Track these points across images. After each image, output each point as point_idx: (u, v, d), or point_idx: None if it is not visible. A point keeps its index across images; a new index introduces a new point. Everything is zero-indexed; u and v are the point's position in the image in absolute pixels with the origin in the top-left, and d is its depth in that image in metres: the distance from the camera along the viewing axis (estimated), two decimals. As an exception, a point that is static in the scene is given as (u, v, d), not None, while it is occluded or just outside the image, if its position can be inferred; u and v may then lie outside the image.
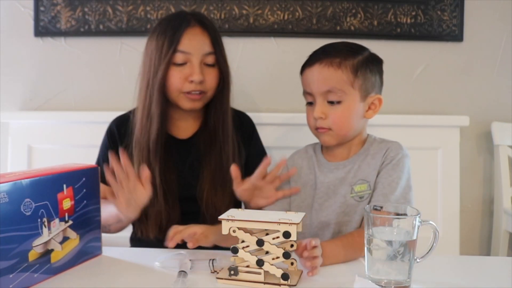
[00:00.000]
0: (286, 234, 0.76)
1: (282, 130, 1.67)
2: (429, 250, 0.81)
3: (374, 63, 1.05)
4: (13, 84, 1.74)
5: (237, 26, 1.71)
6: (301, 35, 1.72)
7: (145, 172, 0.97)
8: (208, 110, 1.21)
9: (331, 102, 1.02)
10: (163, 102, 1.14)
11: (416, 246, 0.78)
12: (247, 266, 0.79)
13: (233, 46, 1.73)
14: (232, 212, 0.82)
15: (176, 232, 0.93)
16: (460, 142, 1.69)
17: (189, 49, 1.12)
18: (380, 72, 1.07)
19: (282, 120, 1.67)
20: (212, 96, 1.18)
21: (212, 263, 0.83)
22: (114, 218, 1.06)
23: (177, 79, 1.12)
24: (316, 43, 1.71)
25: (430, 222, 0.80)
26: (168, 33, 1.12)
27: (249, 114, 1.62)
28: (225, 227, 0.79)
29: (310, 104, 1.07)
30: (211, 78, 1.15)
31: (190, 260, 0.85)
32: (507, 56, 1.75)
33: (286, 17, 1.71)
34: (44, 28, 1.71)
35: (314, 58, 1.05)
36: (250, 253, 0.79)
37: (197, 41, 1.13)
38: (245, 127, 1.29)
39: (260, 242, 0.78)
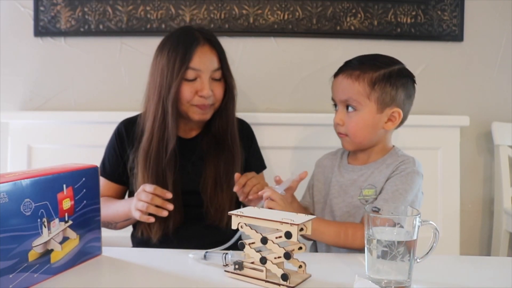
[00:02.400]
0: (288, 235, 0.76)
1: (282, 130, 1.67)
2: (429, 250, 0.81)
3: (398, 78, 1.08)
4: (13, 84, 1.74)
5: (237, 26, 1.71)
6: (301, 35, 1.72)
7: (169, 195, 1.07)
8: (212, 119, 1.28)
9: (349, 111, 1.09)
10: (177, 115, 1.21)
11: (416, 246, 0.78)
12: (252, 263, 0.81)
13: (233, 46, 1.73)
14: (243, 209, 0.86)
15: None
16: (460, 142, 1.69)
17: (200, 66, 1.20)
18: (405, 86, 1.10)
19: (282, 120, 1.67)
20: (218, 106, 1.27)
21: (225, 257, 0.86)
22: (122, 217, 1.18)
23: (187, 93, 1.20)
24: (316, 43, 1.73)
25: (430, 222, 0.80)
26: (179, 50, 1.19)
27: (249, 114, 1.63)
28: (235, 222, 0.82)
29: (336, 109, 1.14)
30: (218, 91, 1.24)
31: (206, 252, 0.90)
32: (507, 56, 1.75)
33: (286, 17, 1.71)
34: (44, 28, 1.71)
35: (341, 68, 1.12)
36: (255, 250, 0.81)
37: (207, 59, 1.21)
38: (245, 133, 1.37)
39: (264, 240, 0.79)
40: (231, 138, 1.27)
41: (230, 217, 1.18)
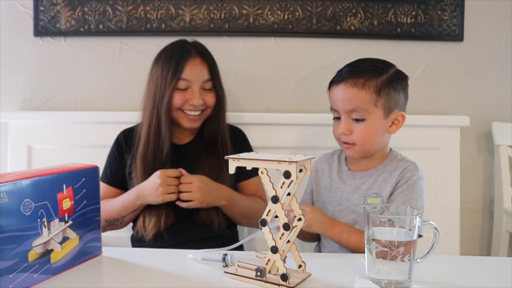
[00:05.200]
0: (287, 174, 0.75)
1: (282, 130, 1.66)
2: (429, 250, 0.81)
3: (398, 81, 1.08)
4: (13, 84, 1.74)
5: (237, 26, 1.71)
6: (301, 35, 1.72)
7: (184, 171, 1.24)
8: (204, 125, 1.38)
9: (356, 120, 1.07)
10: (170, 122, 1.31)
11: (416, 246, 0.78)
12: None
13: (233, 46, 1.73)
14: (240, 154, 0.84)
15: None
16: (461, 142, 1.69)
17: (190, 77, 1.29)
18: (404, 89, 1.11)
19: (282, 120, 1.67)
20: (209, 114, 1.36)
21: (224, 258, 0.86)
22: (129, 208, 1.26)
23: (178, 101, 1.29)
24: (316, 43, 1.73)
25: (430, 222, 0.80)
26: (172, 62, 1.29)
27: (249, 114, 1.63)
28: (232, 166, 0.81)
29: (336, 119, 1.12)
30: (209, 98, 1.33)
31: (206, 252, 0.90)
32: (507, 56, 1.76)
33: (286, 17, 1.71)
34: (44, 28, 1.71)
35: (340, 77, 1.09)
36: (272, 235, 0.79)
37: (197, 70, 1.30)
38: (237, 139, 1.44)
39: (274, 199, 0.78)
40: (221, 143, 1.36)
41: (220, 218, 1.28)
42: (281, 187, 0.78)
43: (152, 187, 1.21)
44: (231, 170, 0.81)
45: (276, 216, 0.79)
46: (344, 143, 1.10)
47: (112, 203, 1.29)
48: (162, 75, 1.29)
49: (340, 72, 1.12)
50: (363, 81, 1.05)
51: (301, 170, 0.79)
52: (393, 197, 1.07)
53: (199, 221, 1.27)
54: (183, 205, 1.21)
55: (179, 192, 1.22)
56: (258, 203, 1.36)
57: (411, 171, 1.08)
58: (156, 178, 1.20)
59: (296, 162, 0.75)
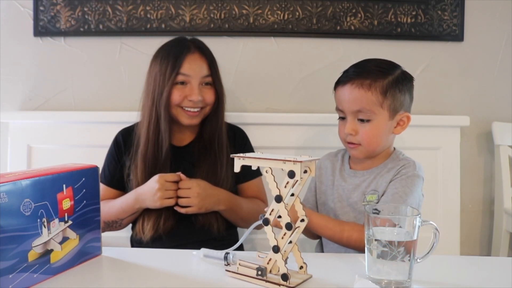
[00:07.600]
0: (291, 174, 0.75)
1: (282, 130, 1.66)
2: (430, 250, 0.81)
3: (404, 83, 1.09)
4: (12, 84, 1.74)
5: (237, 26, 1.71)
6: (301, 35, 1.72)
7: (183, 176, 1.22)
8: (204, 125, 1.35)
9: (361, 120, 1.08)
10: (169, 118, 1.28)
11: (416, 246, 0.78)
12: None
13: (233, 46, 1.73)
14: (246, 154, 0.84)
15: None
16: (461, 142, 1.69)
17: (189, 72, 1.27)
18: (410, 90, 1.12)
19: (282, 120, 1.67)
20: (209, 111, 1.33)
21: (226, 257, 0.87)
22: (128, 212, 1.25)
23: (177, 97, 1.27)
24: (316, 43, 1.74)
25: (431, 222, 0.80)
26: (171, 58, 1.27)
27: (249, 114, 1.62)
28: (237, 165, 0.81)
29: (342, 118, 1.13)
30: (209, 95, 1.31)
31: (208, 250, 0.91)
32: (508, 56, 1.75)
33: (286, 17, 1.71)
34: (44, 28, 1.71)
35: (346, 78, 1.10)
36: (274, 234, 0.79)
37: (196, 65, 1.28)
38: (237, 139, 1.41)
39: (278, 198, 0.78)
40: (218, 144, 1.32)
41: (219, 222, 1.27)
42: (285, 186, 0.78)
43: (150, 192, 1.19)
44: (237, 169, 0.81)
45: (280, 216, 0.79)
46: (349, 143, 1.10)
47: (110, 205, 1.27)
48: (161, 71, 1.27)
49: (346, 72, 1.12)
50: (369, 82, 1.06)
51: (305, 171, 0.79)
52: (386, 189, 1.07)
53: (198, 225, 1.26)
54: (182, 210, 1.20)
55: (178, 197, 1.20)
56: (258, 205, 1.34)
57: (407, 167, 1.08)
58: (154, 182, 1.19)
59: (301, 162, 0.75)
